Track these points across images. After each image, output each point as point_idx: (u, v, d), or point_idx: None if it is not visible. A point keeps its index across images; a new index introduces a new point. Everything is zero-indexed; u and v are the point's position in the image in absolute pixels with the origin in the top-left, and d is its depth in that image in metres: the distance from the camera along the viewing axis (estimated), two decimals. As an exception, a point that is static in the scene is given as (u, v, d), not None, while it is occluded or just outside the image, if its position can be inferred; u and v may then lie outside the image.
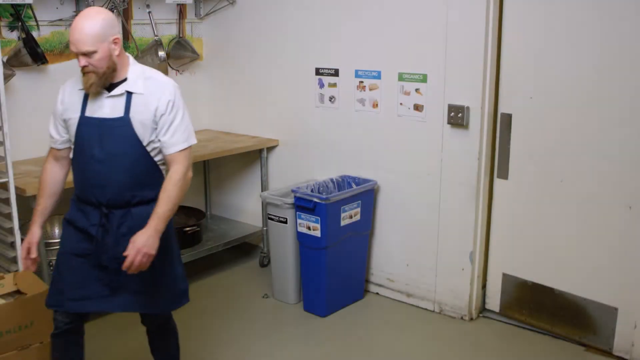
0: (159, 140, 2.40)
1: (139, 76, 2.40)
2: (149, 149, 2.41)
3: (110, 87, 2.36)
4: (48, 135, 2.53)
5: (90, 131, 2.38)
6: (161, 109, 2.38)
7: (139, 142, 2.37)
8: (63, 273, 2.48)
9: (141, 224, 2.37)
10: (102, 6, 3.79)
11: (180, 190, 2.42)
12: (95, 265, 2.45)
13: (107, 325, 3.53)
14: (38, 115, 3.68)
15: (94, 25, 2.26)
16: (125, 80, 2.38)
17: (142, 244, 2.31)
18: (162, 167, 2.50)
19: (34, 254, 2.47)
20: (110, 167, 2.37)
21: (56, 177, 2.52)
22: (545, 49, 3.15)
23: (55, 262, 2.53)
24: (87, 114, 2.39)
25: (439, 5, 3.33)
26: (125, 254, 2.31)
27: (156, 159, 2.45)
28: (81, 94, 2.41)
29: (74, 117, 2.40)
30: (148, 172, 2.44)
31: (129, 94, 2.37)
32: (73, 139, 2.43)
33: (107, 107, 2.37)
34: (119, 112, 2.36)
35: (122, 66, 2.38)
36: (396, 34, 3.54)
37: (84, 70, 2.31)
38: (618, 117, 2.97)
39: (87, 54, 2.26)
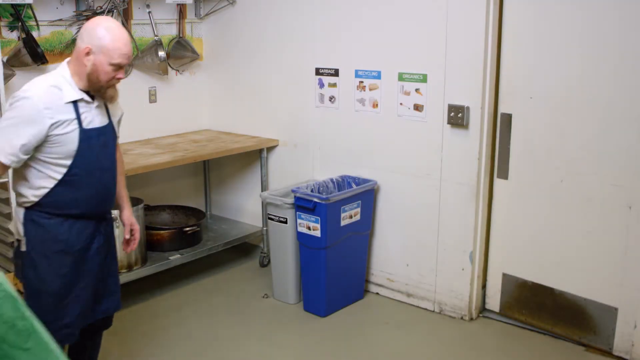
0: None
1: None
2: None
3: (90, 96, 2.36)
4: (6, 154, 2.22)
5: (94, 143, 2.34)
6: (121, 108, 2.56)
7: (116, 143, 2.53)
8: (68, 306, 2.39)
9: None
10: (101, 6, 3.81)
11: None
12: (97, 279, 2.48)
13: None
14: (38, 115, 3.68)
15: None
16: None
17: (137, 224, 2.66)
18: None
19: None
20: (114, 174, 2.46)
21: None
22: (545, 49, 3.15)
23: (52, 302, 2.37)
24: (84, 126, 2.30)
25: (439, 5, 3.33)
26: (128, 236, 2.63)
27: None
28: (70, 107, 2.27)
29: (71, 131, 2.27)
30: None
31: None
32: (69, 154, 2.28)
33: (97, 116, 2.37)
34: (105, 120, 2.41)
35: None
36: (396, 34, 3.54)
37: (117, 83, 2.34)
38: (618, 117, 2.97)
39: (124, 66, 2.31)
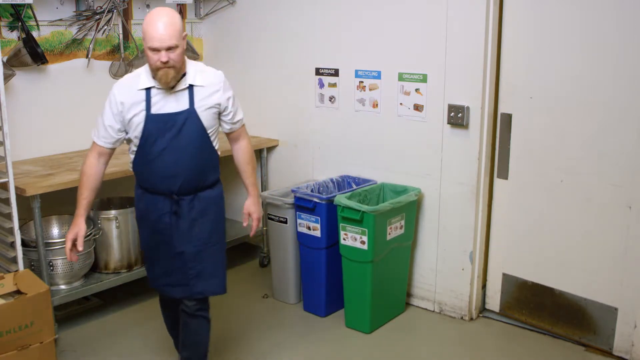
0: (231, 122, 2.69)
1: (196, 71, 2.58)
2: (210, 134, 2.61)
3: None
4: (97, 133, 2.62)
5: (157, 126, 2.52)
6: (225, 99, 2.61)
7: (204, 130, 2.57)
8: (153, 263, 2.75)
9: (207, 206, 2.66)
10: (101, 6, 3.80)
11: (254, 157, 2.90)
12: (174, 254, 2.65)
13: (106, 326, 3.53)
14: (38, 115, 3.69)
15: (176, 21, 2.43)
16: (184, 75, 2.54)
17: (259, 212, 2.88)
18: (218, 153, 2.70)
19: (80, 247, 2.62)
20: (179, 158, 2.54)
21: (99, 172, 2.66)
22: (545, 49, 3.15)
23: (144, 254, 2.80)
24: (153, 111, 2.52)
25: (439, 5, 3.33)
26: (246, 225, 2.91)
27: (214, 143, 2.65)
28: (142, 93, 2.53)
29: (140, 115, 2.52)
30: (210, 157, 2.65)
31: (191, 88, 2.54)
32: (138, 136, 2.54)
33: (173, 102, 2.53)
34: (184, 105, 2.53)
35: (185, 62, 2.55)
36: (396, 34, 3.54)
37: (166, 66, 2.42)
38: (618, 117, 2.97)
39: (170, 49, 2.40)
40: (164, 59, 2.40)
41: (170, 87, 2.51)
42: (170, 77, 2.45)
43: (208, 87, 2.57)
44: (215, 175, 2.70)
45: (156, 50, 2.40)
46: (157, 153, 2.54)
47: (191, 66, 2.58)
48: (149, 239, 2.71)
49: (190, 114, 2.53)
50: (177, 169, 2.55)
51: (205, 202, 2.66)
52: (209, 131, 2.60)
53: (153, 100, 2.52)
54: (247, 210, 2.87)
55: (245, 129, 2.81)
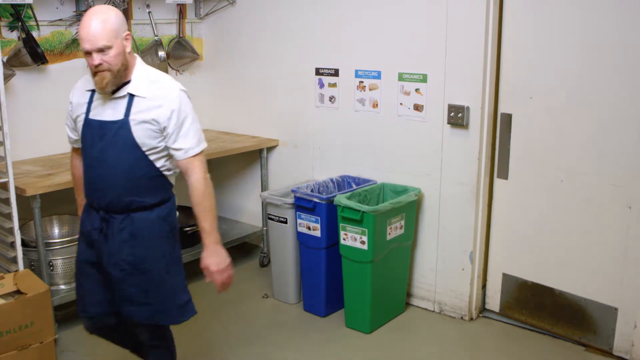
0: (171, 148, 2.33)
1: (143, 78, 2.32)
2: (150, 154, 2.32)
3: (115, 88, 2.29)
4: (66, 134, 2.56)
5: (92, 133, 2.33)
6: (164, 117, 2.28)
7: (137, 146, 2.29)
8: (81, 279, 2.52)
9: (142, 229, 2.36)
10: (102, 6, 3.80)
11: (210, 196, 2.38)
12: (102, 272, 2.43)
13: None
14: (38, 115, 3.69)
15: (108, 20, 2.18)
16: (129, 82, 2.30)
17: (217, 264, 2.34)
18: (167, 173, 2.41)
19: None
20: (108, 171, 2.31)
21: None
22: (545, 49, 3.15)
23: (75, 270, 2.56)
24: (90, 116, 2.34)
25: (439, 5, 3.33)
26: (208, 281, 2.36)
27: (158, 164, 2.36)
28: (87, 95, 2.37)
29: (81, 118, 2.37)
30: (148, 177, 2.35)
31: (131, 97, 2.29)
32: (80, 140, 2.42)
33: (110, 109, 2.31)
34: (119, 115, 2.29)
35: (131, 66, 2.30)
36: (396, 34, 3.54)
37: (99, 69, 2.20)
38: (618, 117, 2.97)
39: (102, 50, 2.17)
40: (96, 62, 2.18)
41: (110, 93, 2.29)
42: (106, 83, 2.22)
43: (150, 100, 2.28)
44: (155, 198, 2.38)
45: (88, 53, 2.18)
46: (90, 162, 2.35)
47: (141, 73, 2.33)
48: (80, 252, 2.49)
49: (123, 125, 2.27)
50: (105, 182, 2.32)
51: (140, 224, 2.35)
52: (144, 148, 2.29)
53: (93, 104, 2.33)
54: (202, 265, 2.38)
55: (198, 163, 2.37)
